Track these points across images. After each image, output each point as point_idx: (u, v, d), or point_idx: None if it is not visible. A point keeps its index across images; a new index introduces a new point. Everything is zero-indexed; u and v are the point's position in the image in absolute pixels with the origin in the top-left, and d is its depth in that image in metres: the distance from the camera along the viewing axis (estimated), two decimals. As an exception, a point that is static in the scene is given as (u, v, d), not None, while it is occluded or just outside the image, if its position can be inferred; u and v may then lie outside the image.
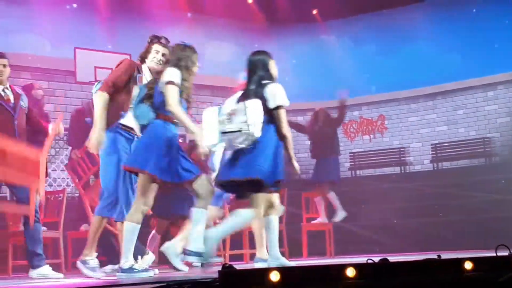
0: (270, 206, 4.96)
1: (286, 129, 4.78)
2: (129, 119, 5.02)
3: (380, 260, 3.50)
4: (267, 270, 3.02)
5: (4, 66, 5.69)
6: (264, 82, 4.86)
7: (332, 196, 9.24)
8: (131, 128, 5.06)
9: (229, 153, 4.87)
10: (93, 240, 5.12)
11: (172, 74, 4.75)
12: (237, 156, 4.71)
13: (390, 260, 3.49)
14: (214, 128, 4.94)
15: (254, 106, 4.65)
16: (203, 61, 5.28)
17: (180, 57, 4.85)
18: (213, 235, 4.70)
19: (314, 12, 12.48)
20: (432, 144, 11.82)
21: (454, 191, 10.10)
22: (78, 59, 9.81)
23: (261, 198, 4.77)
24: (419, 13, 11.81)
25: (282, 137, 4.75)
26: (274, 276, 2.96)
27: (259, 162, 4.64)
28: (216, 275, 3.09)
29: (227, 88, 11.65)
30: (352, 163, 12.30)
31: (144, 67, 5.21)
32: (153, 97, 4.79)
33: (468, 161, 11.35)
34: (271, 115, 4.77)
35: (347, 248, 9.25)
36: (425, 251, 6.62)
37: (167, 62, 4.95)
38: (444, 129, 11.86)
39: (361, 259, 4.84)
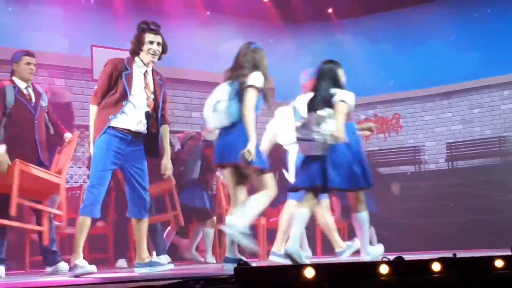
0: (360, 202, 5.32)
1: (339, 121, 4.96)
2: (121, 120, 4.76)
3: (395, 258, 3.51)
4: (284, 267, 3.04)
5: (34, 65, 5.73)
6: (333, 90, 5.09)
7: (372, 231, 9.21)
8: (125, 129, 4.78)
9: (304, 157, 5.15)
10: (79, 243, 4.72)
11: (256, 78, 4.89)
12: (319, 164, 4.97)
13: (405, 259, 3.50)
14: (290, 128, 5.41)
15: (329, 117, 4.94)
16: (219, 59, 5.32)
17: (256, 62, 5.00)
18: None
19: (329, 11, 12.48)
20: (447, 143, 11.78)
21: (469, 190, 10.07)
22: (95, 57, 9.87)
23: (362, 194, 5.27)
24: (435, 12, 11.78)
25: (336, 121, 4.97)
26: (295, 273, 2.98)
27: (359, 172, 5.01)
28: (232, 272, 3.11)
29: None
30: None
31: (137, 60, 4.85)
32: (242, 98, 4.91)
33: (483, 160, 11.32)
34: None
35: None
36: (440, 250, 6.61)
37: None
38: (459, 128, 11.82)
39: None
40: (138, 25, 4.89)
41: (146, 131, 4.88)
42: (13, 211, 4.93)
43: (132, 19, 10.46)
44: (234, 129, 4.88)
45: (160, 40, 4.87)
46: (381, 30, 12.38)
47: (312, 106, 5.11)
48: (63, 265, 5.62)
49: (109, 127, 4.72)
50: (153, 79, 4.94)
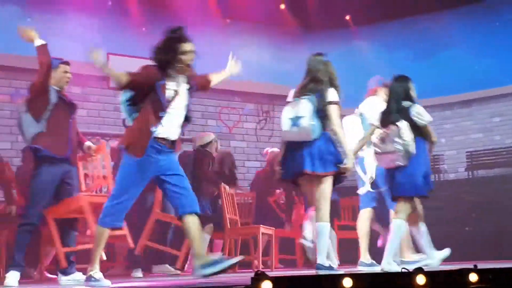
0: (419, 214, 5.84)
1: (434, 138, 5.65)
2: (159, 131, 4.62)
3: (415, 269, 3.45)
4: (300, 277, 2.98)
5: (70, 73, 5.89)
6: (406, 103, 5.56)
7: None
8: (163, 139, 4.64)
9: (384, 169, 5.67)
10: (96, 254, 4.65)
11: (335, 94, 5.20)
12: (395, 172, 5.45)
13: (425, 269, 3.43)
14: (360, 136, 5.94)
15: (406, 128, 5.39)
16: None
17: (331, 76, 5.30)
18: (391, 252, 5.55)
19: (347, 17, 12.43)
20: (467, 152, 11.65)
21: (489, 199, 9.92)
22: (111, 64, 9.83)
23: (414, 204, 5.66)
24: (454, 18, 11.67)
25: (432, 143, 5.65)
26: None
27: (418, 180, 5.42)
28: (248, 282, 3.07)
29: (257, 94, 11.69)
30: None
31: (170, 71, 4.65)
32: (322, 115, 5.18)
33: (504, 169, 11.16)
34: (416, 132, 5.48)
35: (380, 257, 9.13)
36: (460, 261, 6.51)
37: (311, 79, 5.25)
38: (480, 136, 11.69)
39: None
40: (169, 35, 4.67)
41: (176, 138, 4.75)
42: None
43: (149, 27, 10.48)
44: (315, 143, 5.11)
45: (194, 48, 4.69)
46: (399, 37, 12.28)
47: (388, 119, 5.53)
48: (78, 275, 5.59)
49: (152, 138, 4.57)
50: (188, 84, 4.77)
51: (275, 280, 2.97)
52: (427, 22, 11.99)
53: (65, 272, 5.63)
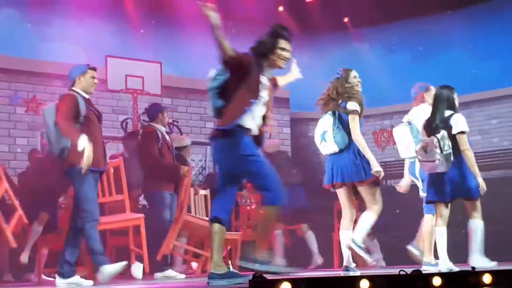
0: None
1: (469, 150, 5.77)
2: (247, 120, 4.54)
3: (413, 271, 3.45)
4: (301, 279, 2.98)
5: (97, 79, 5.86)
6: (448, 112, 5.80)
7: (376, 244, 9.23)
8: (249, 129, 4.56)
9: (428, 175, 5.95)
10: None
11: (350, 105, 5.57)
12: (442, 179, 5.78)
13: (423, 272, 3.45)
14: (410, 144, 6.22)
15: (446, 139, 5.65)
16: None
17: (338, 90, 5.70)
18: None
19: (345, 20, 12.43)
20: (465, 154, 11.66)
21: (487, 201, 9.91)
22: (109, 67, 9.85)
23: (478, 204, 6.12)
24: (453, 20, 11.69)
25: (465, 157, 5.77)
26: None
27: (470, 184, 5.86)
28: (246, 285, 3.07)
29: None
30: (384, 172, 12.17)
31: (264, 63, 4.65)
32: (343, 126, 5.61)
33: (502, 172, 11.18)
34: (455, 140, 5.73)
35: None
36: (459, 263, 6.52)
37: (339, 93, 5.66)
38: (477, 138, 11.70)
39: (393, 270, 4.77)
40: (274, 28, 4.77)
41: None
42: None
43: (148, 29, 10.49)
44: (343, 154, 5.58)
45: (291, 49, 4.77)
46: (398, 39, 12.30)
47: (430, 129, 5.80)
48: (76, 279, 5.55)
49: (239, 126, 4.47)
50: (271, 82, 4.77)
51: (273, 283, 2.97)
52: (426, 24, 12.01)
53: (63, 275, 5.58)
